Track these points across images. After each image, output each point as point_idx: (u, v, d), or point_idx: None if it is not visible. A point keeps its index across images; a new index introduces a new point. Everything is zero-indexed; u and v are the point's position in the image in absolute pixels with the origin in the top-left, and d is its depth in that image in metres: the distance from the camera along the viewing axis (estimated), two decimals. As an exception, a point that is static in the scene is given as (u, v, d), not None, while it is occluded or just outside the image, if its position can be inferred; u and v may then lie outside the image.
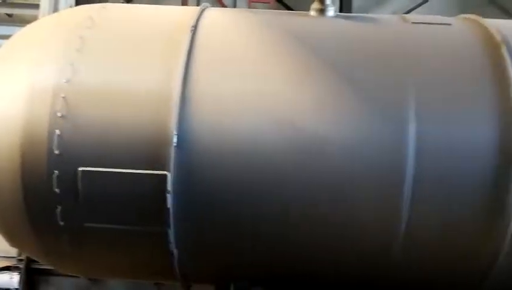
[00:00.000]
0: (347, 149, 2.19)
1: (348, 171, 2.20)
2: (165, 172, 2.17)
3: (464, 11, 2.79)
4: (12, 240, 2.63)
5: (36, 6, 5.50)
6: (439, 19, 2.68)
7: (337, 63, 2.33)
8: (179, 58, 2.34)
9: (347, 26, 2.55)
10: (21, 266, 4.06)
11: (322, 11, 2.63)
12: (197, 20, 2.49)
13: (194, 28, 2.46)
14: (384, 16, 2.94)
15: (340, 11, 6.66)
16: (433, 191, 2.17)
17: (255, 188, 2.22)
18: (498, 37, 2.34)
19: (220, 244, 2.38)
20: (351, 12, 6.63)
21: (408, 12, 6.90)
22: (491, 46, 2.34)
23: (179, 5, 6.74)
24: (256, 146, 2.20)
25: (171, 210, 2.20)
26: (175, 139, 2.19)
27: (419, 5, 7.31)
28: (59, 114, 2.22)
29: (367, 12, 6.97)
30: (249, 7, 7.35)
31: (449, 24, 2.58)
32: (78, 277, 3.59)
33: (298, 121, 2.21)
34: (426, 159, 2.16)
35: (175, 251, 2.31)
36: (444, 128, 2.19)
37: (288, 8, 7.64)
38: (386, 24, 2.59)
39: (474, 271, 2.32)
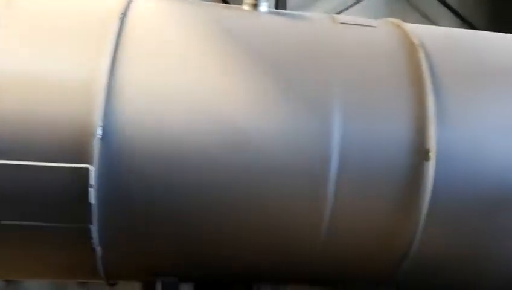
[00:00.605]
0: (275, 143, 2.23)
1: (275, 165, 2.24)
2: (87, 165, 2.07)
3: (391, 16, 2.97)
4: None
5: None
6: (365, 21, 2.83)
7: (267, 58, 2.37)
8: (105, 46, 2.24)
9: (278, 22, 2.59)
10: None
11: (255, 6, 2.65)
12: (127, 7, 2.40)
13: (123, 16, 2.37)
14: (315, 14, 3.04)
15: (276, 7, 6.76)
16: (355, 183, 2.29)
17: (183, 182, 2.19)
18: (416, 41, 2.51)
19: (146, 240, 2.32)
20: (285, 10, 6.75)
21: (339, 13, 7.18)
22: (410, 49, 2.51)
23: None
24: (185, 139, 2.18)
25: (93, 205, 2.10)
26: (99, 131, 2.09)
27: (351, 6, 7.62)
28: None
29: (302, 11, 7.13)
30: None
31: (374, 26, 2.72)
32: (-9, 278, 3.36)
33: (227, 114, 2.21)
34: (349, 154, 2.26)
35: (98, 248, 2.22)
36: (366, 126, 2.31)
37: (225, 1, 7.61)
38: (316, 23, 2.67)
39: (390, 259, 2.48)
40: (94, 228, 2.16)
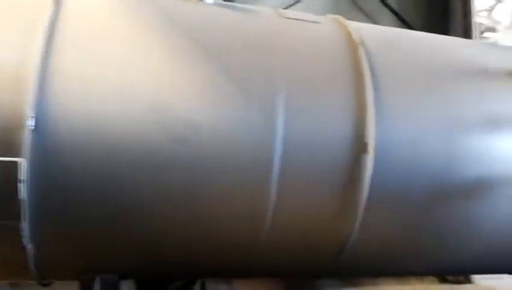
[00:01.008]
0: (220, 136, 2.21)
1: (220, 158, 2.22)
2: (17, 159, 1.93)
3: (334, 13, 3.03)
4: None
5: None
6: (310, 16, 2.87)
7: (211, 49, 2.33)
8: (39, 32, 2.10)
9: (224, 14, 2.56)
10: None
11: (201, -3, 2.61)
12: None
13: (58, 1, 2.24)
14: (261, 8, 3.04)
15: (224, -1, 6.68)
16: (297, 176, 2.32)
17: (122, 175, 2.11)
18: (357, 39, 2.59)
19: (82, 237, 2.22)
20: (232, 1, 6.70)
21: (285, 9, 7.24)
22: (351, 46, 2.58)
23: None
24: (124, 131, 2.09)
25: (24, 201, 1.97)
26: (31, 122, 1.96)
27: (295, 3, 7.71)
28: None
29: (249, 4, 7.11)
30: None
31: (318, 22, 2.77)
32: None
33: (169, 105, 2.16)
34: (292, 148, 2.29)
35: (29, 246, 2.09)
36: (308, 120, 2.35)
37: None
38: (262, 16, 2.67)
39: (331, 249, 2.55)
40: (25, 225, 2.02)
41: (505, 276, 4.66)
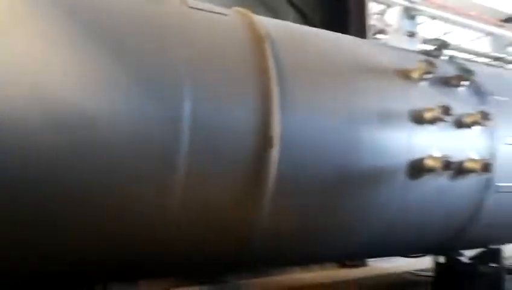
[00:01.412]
0: (120, 127, 2.06)
1: (121, 149, 2.07)
2: None
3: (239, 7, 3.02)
4: None
5: None
6: (216, 8, 2.81)
7: (109, 35, 2.16)
8: None
9: (123, 0, 2.40)
10: None
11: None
12: None
13: None
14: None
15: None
16: (203, 169, 2.27)
17: (12, 171, 1.86)
18: (263, 32, 2.61)
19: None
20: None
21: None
22: (257, 39, 2.59)
23: None
24: (11, 124, 1.83)
25: None
26: None
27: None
28: None
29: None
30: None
31: (224, 14, 2.74)
32: None
33: (62, 94, 1.95)
34: (198, 140, 2.22)
35: None
36: (214, 112, 2.29)
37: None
38: (165, 4, 2.55)
39: (238, 242, 2.55)
40: None
41: (397, 258, 5.11)
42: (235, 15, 2.83)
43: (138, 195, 2.17)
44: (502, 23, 14.66)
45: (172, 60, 2.26)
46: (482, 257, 4.39)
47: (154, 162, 2.14)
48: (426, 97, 3.23)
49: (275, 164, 2.42)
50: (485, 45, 15.02)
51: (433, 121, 3.14)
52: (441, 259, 4.90)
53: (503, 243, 4.31)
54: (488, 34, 14.32)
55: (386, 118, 3.00)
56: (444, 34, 12.47)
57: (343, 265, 6.81)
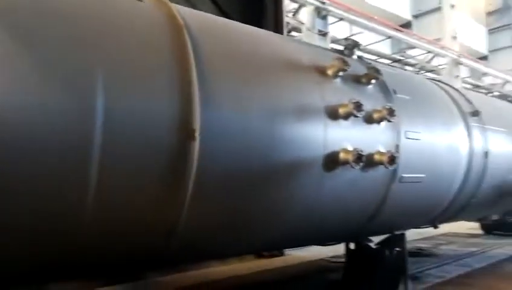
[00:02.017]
0: (32, 120, 1.86)
1: (34, 144, 1.88)
2: None
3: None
4: None
5: None
6: (132, -5, 2.66)
7: (20, 28, 1.93)
8: None
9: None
10: None
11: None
12: None
13: None
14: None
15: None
16: (119, 163, 2.13)
17: None
18: (181, 21, 2.52)
19: None
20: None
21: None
22: (175, 28, 2.50)
23: None
24: None
25: None
26: None
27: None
28: None
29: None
30: None
31: (141, 0, 2.60)
32: None
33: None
34: (113, 134, 2.08)
35: None
36: (130, 105, 2.16)
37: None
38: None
39: (158, 237, 2.45)
40: None
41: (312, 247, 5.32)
42: (152, 2, 2.70)
43: (52, 191, 1.98)
44: (401, 28, 15.99)
45: (85, 49, 2.08)
46: (388, 242, 4.76)
47: (67, 157, 1.96)
48: (340, 94, 3.38)
49: (195, 157, 2.36)
50: (386, 47, 16.28)
51: (346, 117, 3.31)
52: (352, 246, 5.26)
53: (406, 229, 4.70)
54: (389, 37, 15.51)
55: (304, 113, 3.09)
56: (351, 36, 13.28)
57: (260, 256, 6.96)
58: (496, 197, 5.70)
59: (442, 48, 17.09)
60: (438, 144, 4.31)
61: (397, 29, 15.88)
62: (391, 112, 3.57)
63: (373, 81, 3.76)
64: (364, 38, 13.93)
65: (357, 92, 3.55)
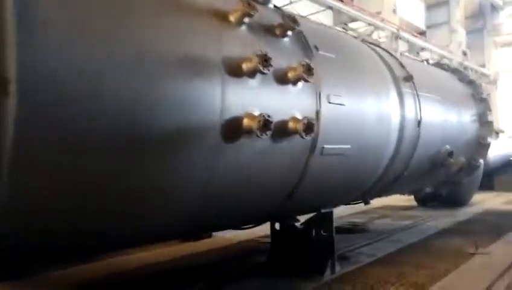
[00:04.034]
0: None
1: None
2: None
3: None
4: None
5: None
6: None
7: None
8: None
9: None
10: None
11: None
12: None
13: None
14: None
15: None
16: None
17: None
18: None
19: None
20: None
21: None
22: None
23: None
24: None
25: None
26: None
27: None
28: None
29: None
30: None
31: None
32: None
33: None
34: None
35: None
36: None
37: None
38: None
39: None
40: None
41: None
42: None
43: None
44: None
45: None
46: (314, 221, 4.29)
47: None
48: (244, 45, 2.74)
49: (12, 121, 1.63)
50: (328, 20, 15.85)
51: (252, 74, 2.68)
52: (278, 226, 4.78)
53: (332, 206, 4.24)
54: (329, 7, 15.08)
55: (193, 66, 2.42)
56: (290, 3, 12.66)
57: (186, 239, 6.35)
58: (429, 168, 5.41)
59: (382, 20, 16.97)
60: (365, 111, 3.82)
61: (340, 0, 15.48)
62: (309, 71, 2.99)
63: (289, 33, 3.14)
64: (304, 8, 13.39)
65: (268, 45, 2.92)
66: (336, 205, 4.41)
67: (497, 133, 9.00)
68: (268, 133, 2.65)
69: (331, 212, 4.30)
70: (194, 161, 2.46)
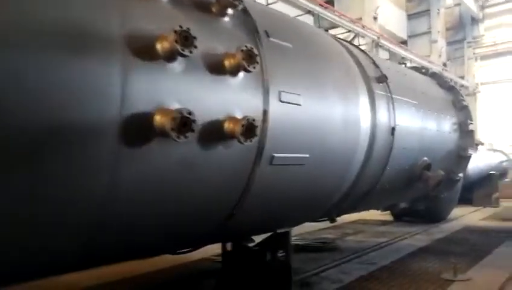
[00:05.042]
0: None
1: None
2: None
3: None
4: None
5: None
6: None
7: None
8: None
9: None
10: None
11: None
12: None
13: None
14: None
15: None
16: None
17: None
18: None
19: None
20: None
21: None
22: None
23: None
24: None
25: None
26: None
27: None
28: None
29: None
30: None
31: None
32: None
33: None
34: None
35: None
36: None
37: None
38: None
39: None
40: None
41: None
42: None
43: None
44: (324, 3, 15.11)
45: None
46: (269, 243, 3.65)
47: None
48: (162, 20, 2.08)
49: None
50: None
51: (169, 57, 2.02)
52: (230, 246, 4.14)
53: (289, 226, 3.60)
54: (309, 11, 14.59)
55: (82, 40, 1.75)
56: (268, 4, 12.10)
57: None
58: (404, 182, 4.82)
59: (363, 27, 16.56)
60: (328, 114, 3.19)
61: (320, 5, 14.99)
62: (251, 58, 2.34)
63: (229, 11, 2.50)
64: (284, 11, 12.83)
65: (199, 24, 2.26)
66: (294, 225, 3.77)
67: (476, 144, 8.56)
68: (190, 135, 1.99)
69: (288, 233, 3.65)
70: (82, 172, 1.78)
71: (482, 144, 11.96)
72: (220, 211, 2.64)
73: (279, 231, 3.57)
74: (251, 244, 3.79)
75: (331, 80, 3.31)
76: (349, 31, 16.20)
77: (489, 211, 10.58)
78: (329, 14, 15.15)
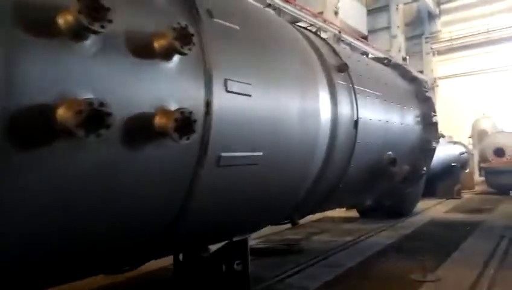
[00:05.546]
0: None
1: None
2: None
3: None
4: None
5: None
6: None
7: None
8: None
9: None
10: None
11: None
12: None
13: None
14: None
15: None
16: None
17: None
18: None
19: None
20: None
21: None
22: None
23: None
24: None
25: None
26: None
27: None
28: None
29: None
30: None
31: None
32: None
33: None
34: None
35: None
36: None
37: None
38: None
39: None
40: None
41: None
42: None
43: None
44: (283, -2, 14.84)
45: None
46: (224, 252, 3.27)
47: None
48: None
49: None
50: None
51: (75, 34, 1.60)
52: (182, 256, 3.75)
53: (245, 233, 3.23)
54: (269, 4, 14.29)
55: None
56: None
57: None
58: (369, 179, 4.55)
59: (325, 21, 16.44)
60: (284, 106, 2.83)
61: (281, -1, 14.73)
62: (185, 39, 1.94)
63: (159, -16, 2.09)
64: None
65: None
66: (252, 231, 3.40)
67: (439, 137, 8.51)
68: (106, 133, 1.58)
69: (246, 241, 3.29)
70: None
71: (443, 136, 12.03)
72: (157, 222, 2.23)
73: (235, 239, 3.20)
74: (206, 255, 3.40)
75: (287, 68, 2.95)
76: (311, 25, 16.03)
77: (452, 203, 10.62)
78: (290, 8, 14.91)
